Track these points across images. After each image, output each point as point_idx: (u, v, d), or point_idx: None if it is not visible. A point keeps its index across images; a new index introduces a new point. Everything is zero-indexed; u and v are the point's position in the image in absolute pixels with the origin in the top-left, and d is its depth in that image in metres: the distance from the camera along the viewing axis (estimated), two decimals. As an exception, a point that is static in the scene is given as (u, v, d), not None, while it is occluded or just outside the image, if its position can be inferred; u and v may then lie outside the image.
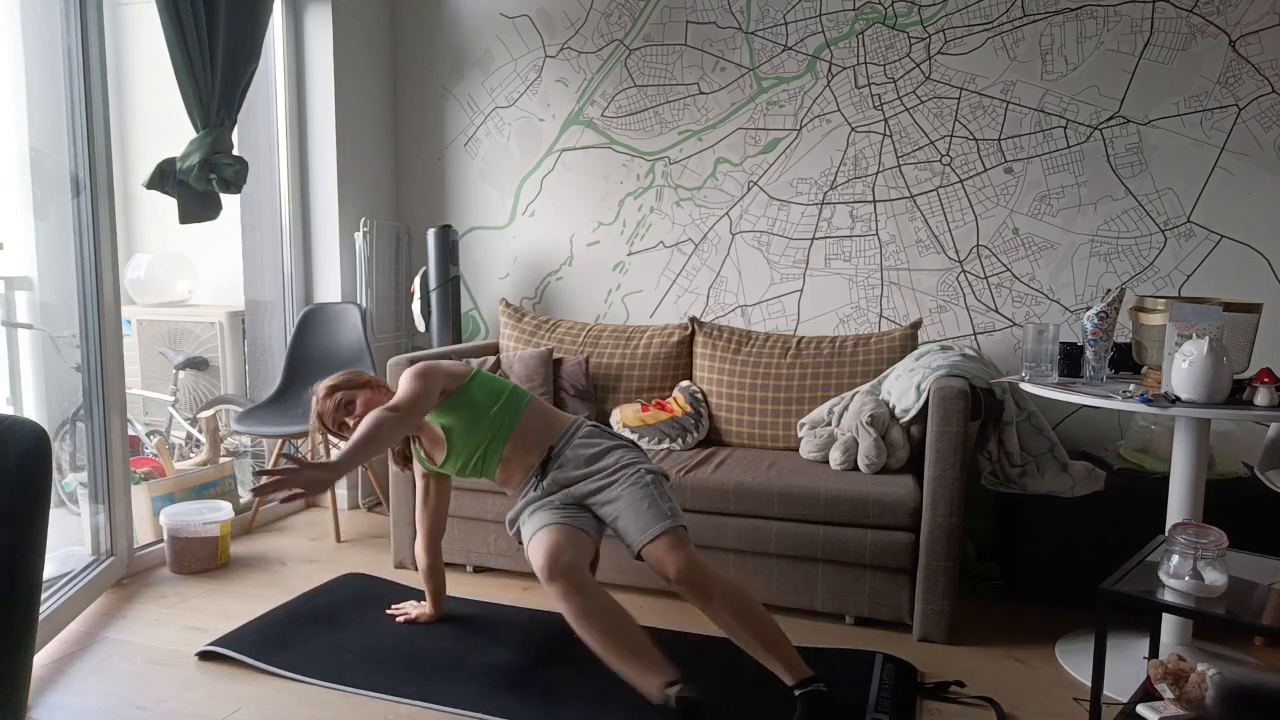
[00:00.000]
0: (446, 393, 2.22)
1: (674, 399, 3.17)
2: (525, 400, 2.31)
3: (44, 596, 2.54)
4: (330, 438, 2.35)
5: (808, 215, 3.40)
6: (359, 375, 2.36)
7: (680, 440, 3.04)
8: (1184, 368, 2.04)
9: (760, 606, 2.03)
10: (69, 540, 2.97)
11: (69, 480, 3.48)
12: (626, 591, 2.77)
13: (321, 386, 2.31)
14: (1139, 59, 3.00)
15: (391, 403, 2.09)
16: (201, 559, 3.00)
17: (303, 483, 1.81)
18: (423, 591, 2.58)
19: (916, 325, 3.06)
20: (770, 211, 3.44)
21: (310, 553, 3.22)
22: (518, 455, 2.25)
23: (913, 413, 2.66)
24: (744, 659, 2.04)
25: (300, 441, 3.74)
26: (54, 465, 1.44)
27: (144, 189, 2.94)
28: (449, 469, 2.35)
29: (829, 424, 2.90)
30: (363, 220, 3.74)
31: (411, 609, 2.57)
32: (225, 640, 2.40)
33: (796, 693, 1.95)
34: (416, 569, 2.56)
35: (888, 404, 2.76)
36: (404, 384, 2.16)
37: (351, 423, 2.26)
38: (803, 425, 2.94)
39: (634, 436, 3.05)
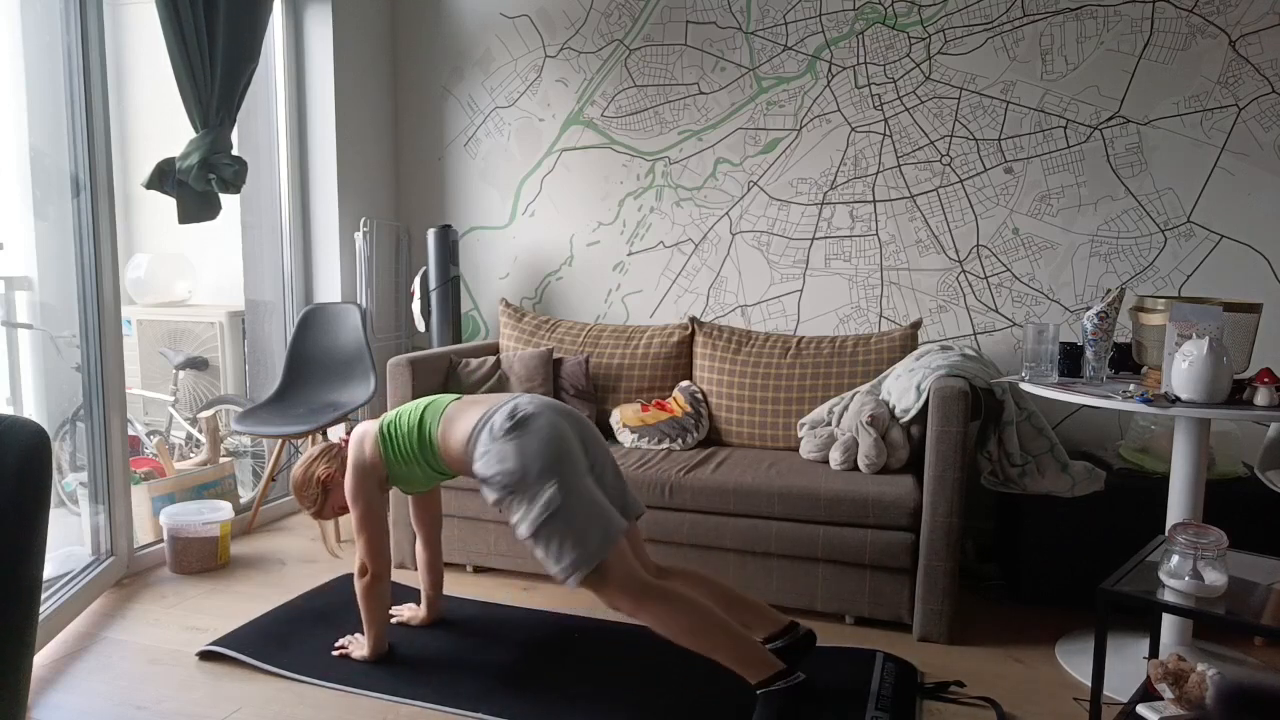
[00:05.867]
0: (383, 481, 2.25)
1: (674, 399, 3.17)
2: (437, 448, 2.17)
3: (44, 596, 2.54)
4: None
5: (808, 215, 3.40)
6: (327, 453, 2.34)
7: (680, 440, 3.04)
8: (1184, 368, 2.04)
9: (703, 613, 1.94)
10: (69, 540, 2.97)
11: (69, 480, 3.48)
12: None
13: (299, 474, 2.33)
14: (1139, 59, 3.00)
15: (359, 564, 2.24)
16: (201, 559, 3.00)
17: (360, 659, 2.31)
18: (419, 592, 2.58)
19: (916, 325, 3.06)
20: (770, 211, 3.44)
21: (310, 553, 3.22)
22: (461, 472, 2.23)
23: (913, 413, 2.66)
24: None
25: (300, 442, 3.74)
26: (54, 465, 1.44)
27: (144, 189, 2.94)
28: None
29: (829, 424, 2.90)
30: (363, 220, 3.74)
31: (406, 611, 2.57)
32: (225, 640, 2.40)
33: (758, 692, 1.96)
34: (416, 568, 2.56)
35: (888, 404, 2.76)
36: (353, 515, 2.23)
37: (325, 507, 2.35)
38: (803, 425, 2.94)
39: (634, 437, 3.05)
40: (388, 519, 2.26)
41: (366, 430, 2.25)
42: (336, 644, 2.38)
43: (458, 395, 2.24)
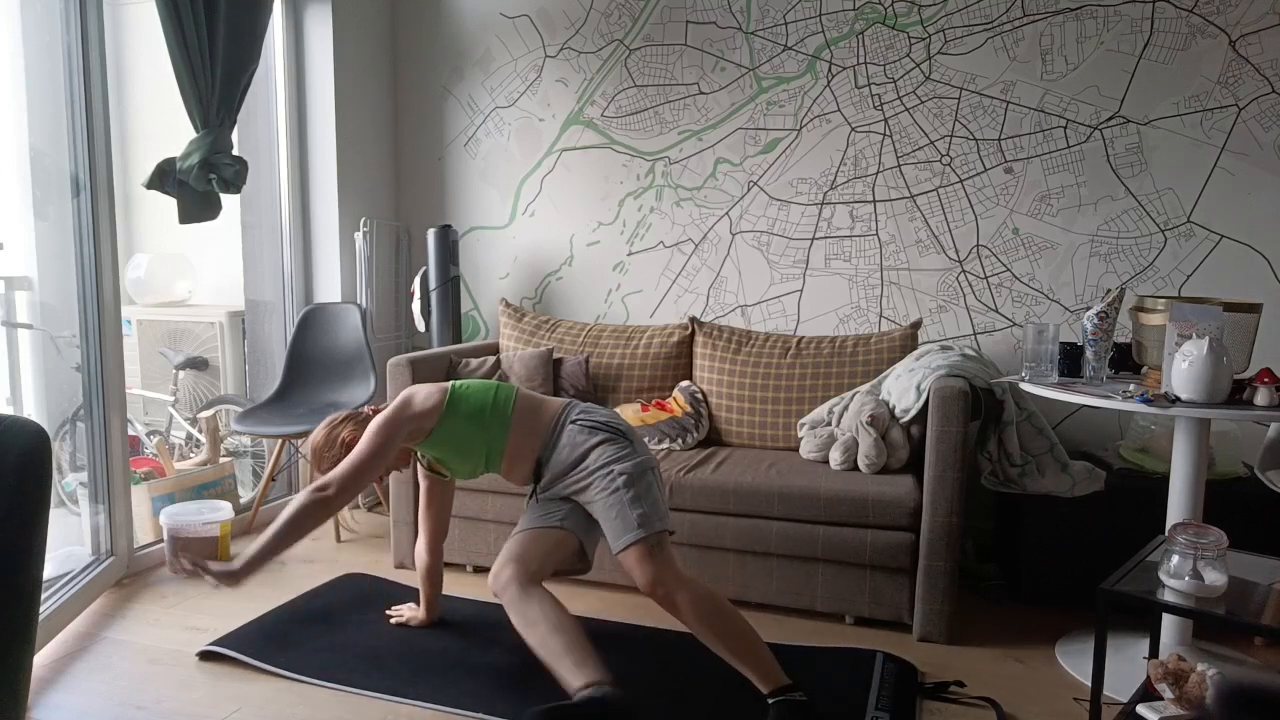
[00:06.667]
0: (421, 432, 2.18)
1: (674, 399, 3.17)
2: (510, 409, 2.20)
3: (44, 596, 2.54)
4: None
5: (808, 215, 3.40)
6: (354, 418, 2.30)
7: (680, 440, 3.04)
8: (1184, 368, 2.04)
9: (731, 613, 2.00)
10: (69, 540, 2.97)
11: (69, 480, 3.48)
12: (611, 589, 2.77)
13: (321, 435, 2.26)
14: (1139, 59, 3.00)
15: (323, 479, 2.08)
16: (201, 559, 2.99)
17: (213, 577, 2.05)
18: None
19: (916, 325, 3.06)
20: (770, 211, 3.44)
21: (310, 553, 3.22)
22: (515, 462, 2.23)
23: (913, 413, 2.66)
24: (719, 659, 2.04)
25: (300, 442, 3.74)
26: (54, 465, 1.44)
27: (144, 189, 2.94)
28: (453, 477, 2.37)
29: (829, 424, 2.90)
30: (363, 220, 3.74)
31: (405, 611, 2.57)
32: (225, 640, 2.40)
33: (770, 701, 1.95)
34: (415, 568, 2.56)
35: (888, 404, 2.76)
36: (361, 441, 2.13)
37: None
38: (803, 425, 2.94)
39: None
40: (378, 477, 2.17)
41: (419, 387, 2.21)
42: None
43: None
